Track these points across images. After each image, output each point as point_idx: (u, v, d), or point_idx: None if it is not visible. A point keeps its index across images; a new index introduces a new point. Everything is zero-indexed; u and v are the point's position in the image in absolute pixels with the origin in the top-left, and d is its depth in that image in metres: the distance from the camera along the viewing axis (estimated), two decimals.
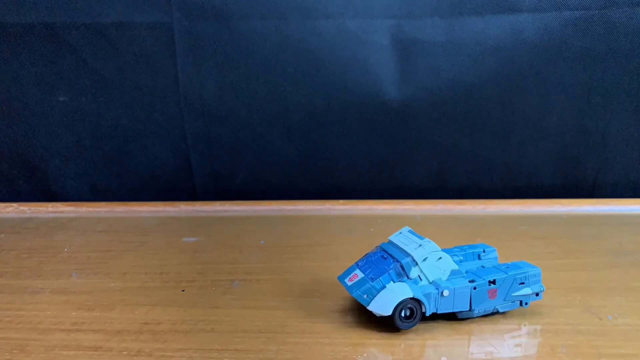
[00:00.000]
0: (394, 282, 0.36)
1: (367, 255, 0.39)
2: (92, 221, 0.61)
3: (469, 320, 0.37)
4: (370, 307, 0.35)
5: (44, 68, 0.64)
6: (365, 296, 0.36)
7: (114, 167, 0.68)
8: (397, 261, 0.36)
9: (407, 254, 0.37)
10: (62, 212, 0.64)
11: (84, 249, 0.52)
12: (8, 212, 0.64)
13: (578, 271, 0.45)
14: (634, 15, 0.60)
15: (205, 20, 0.63)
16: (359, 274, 0.37)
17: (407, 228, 0.40)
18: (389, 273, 0.36)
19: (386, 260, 0.37)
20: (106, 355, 0.33)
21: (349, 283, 0.37)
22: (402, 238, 0.39)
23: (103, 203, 0.66)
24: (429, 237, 0.55)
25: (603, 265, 0.46)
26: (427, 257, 0.36)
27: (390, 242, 0.39)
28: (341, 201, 0.65)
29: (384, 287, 0.35)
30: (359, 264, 0.39)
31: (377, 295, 0.35)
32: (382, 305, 0.35)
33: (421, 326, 0.36)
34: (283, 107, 0.65)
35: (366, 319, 0.37)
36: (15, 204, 0.66)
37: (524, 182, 0.67)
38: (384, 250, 0.38)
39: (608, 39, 0.61)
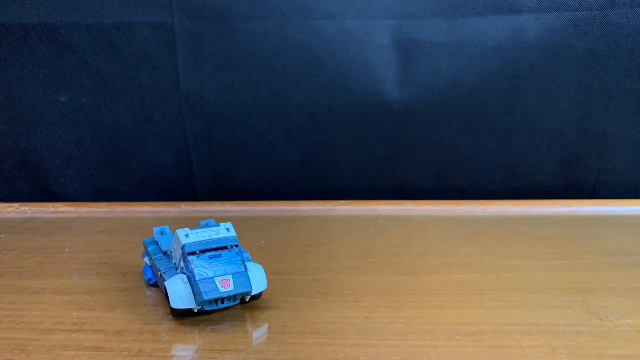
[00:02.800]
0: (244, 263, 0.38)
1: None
2: (93, 221, 0.61)
3: (470, 320, 0.37)
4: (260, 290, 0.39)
5: (45, 68, 0.64)
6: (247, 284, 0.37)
7: (115, 167, 0.68)
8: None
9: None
10: (62, 212, 0.64)
11: (85, 249, 0.52)
12: (9, 212, 0.65)
13: (579, 272, 0.45)
14: (635, 15, 0.60)
15: (206, 20, 0.63)
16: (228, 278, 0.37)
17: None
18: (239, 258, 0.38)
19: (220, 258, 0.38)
20: (107, 355, 0.33)
21: (225, 289, 0.37)
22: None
23: (104, 203, 0.66)
24: (430, 237, 0.55)
25: (604, 266, 0.46)
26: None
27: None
28: (342, 201, 0.65)
29: (245, 269, 0.38)
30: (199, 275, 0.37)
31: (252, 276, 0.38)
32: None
33: (422, 327, 0.36)
34: (284, 107, 0.65)
35: (367, 319, 0.37)
36: (16, 204, 0.66)
37: (525, 183, 0.67)
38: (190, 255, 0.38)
39: (609, 40, 0.61)
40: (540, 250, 0.50)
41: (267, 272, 0.40)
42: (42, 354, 0.34)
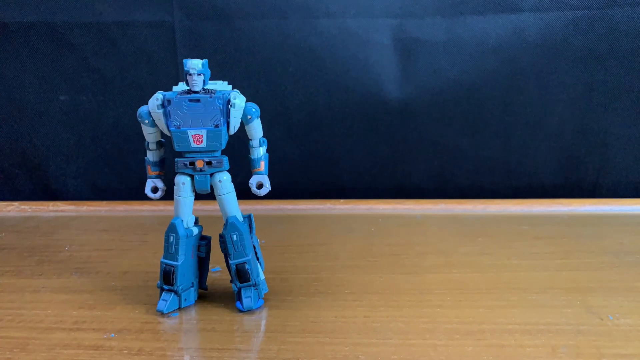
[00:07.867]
0: None
1: None
2: (93, 220, 0.61)
3: (470, 320, 0.37)
4: None
5: (44, 67, 0.64)
6: None
7: (115, 166, 0.68)
8: None
9: None
10: (62, 211, 0.64)
11: (85, 248, 0.52)
12: (9, 211, 0.65)
13: (579, 271, 0.45)
14: (635, 15, 0.60)
15: (206, 19, 0.62)
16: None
17: None
18: None
19: None
20: (107, 354, 0.33)
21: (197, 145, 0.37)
22: None
23: (104, 202, 0.66)
24: (430, 236, 0.55)
25: (604, 265, 0.46)
26: None
27: None
28: (342, 201, 0.65)
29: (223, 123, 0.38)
30: None
31: None
32: None
33: (422, 326, 0.36)
34: (284, 106, 0.65)
35: (367, 318, 0.37)
36: (16, 203, 0.66)
37: (525, 182, 0.67)
38: None
39: (610, 39, 0.61)
40: (541, 250, 0.50)
41: (267, 272, 0.40)
42: (42, 352, 0.34)
